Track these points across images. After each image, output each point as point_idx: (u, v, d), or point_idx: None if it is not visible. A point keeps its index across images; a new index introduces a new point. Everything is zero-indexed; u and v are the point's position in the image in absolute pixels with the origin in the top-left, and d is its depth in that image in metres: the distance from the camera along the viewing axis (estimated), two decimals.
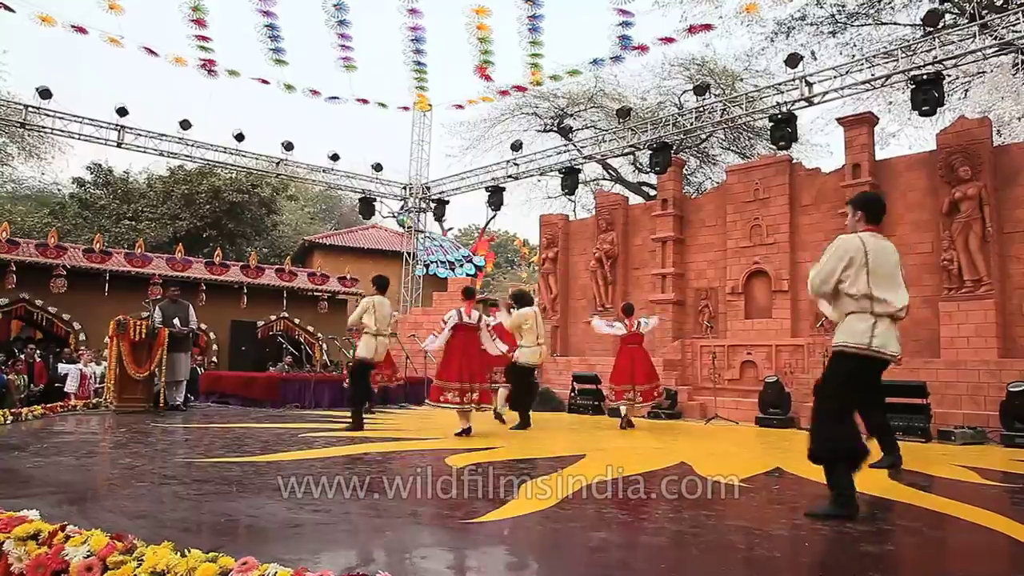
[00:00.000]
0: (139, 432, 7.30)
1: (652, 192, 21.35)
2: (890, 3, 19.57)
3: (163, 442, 6.73)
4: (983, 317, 10.33)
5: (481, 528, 3.29)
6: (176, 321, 10.16)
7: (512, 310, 9.05)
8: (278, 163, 18.27)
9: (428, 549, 2.98)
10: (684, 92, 22.79)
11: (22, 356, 13.26)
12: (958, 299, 10.62)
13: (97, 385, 12.69)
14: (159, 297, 10.75)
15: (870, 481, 5.16)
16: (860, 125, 12.16)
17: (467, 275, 19.91)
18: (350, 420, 8.05)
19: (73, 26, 14.16)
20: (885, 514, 4.03)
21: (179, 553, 2.37)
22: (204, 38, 14.83)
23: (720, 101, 14.91)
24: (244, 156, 17.78)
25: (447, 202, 19.97)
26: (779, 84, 13.44)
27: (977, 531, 3.52)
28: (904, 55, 11.78)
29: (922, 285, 11.27)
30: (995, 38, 10.99)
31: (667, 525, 3.51)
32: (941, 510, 4.02)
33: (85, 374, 12.97)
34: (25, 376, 12.79)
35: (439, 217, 20.38)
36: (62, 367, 13.30)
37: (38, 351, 14.21)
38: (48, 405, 9.73)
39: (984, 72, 16.53)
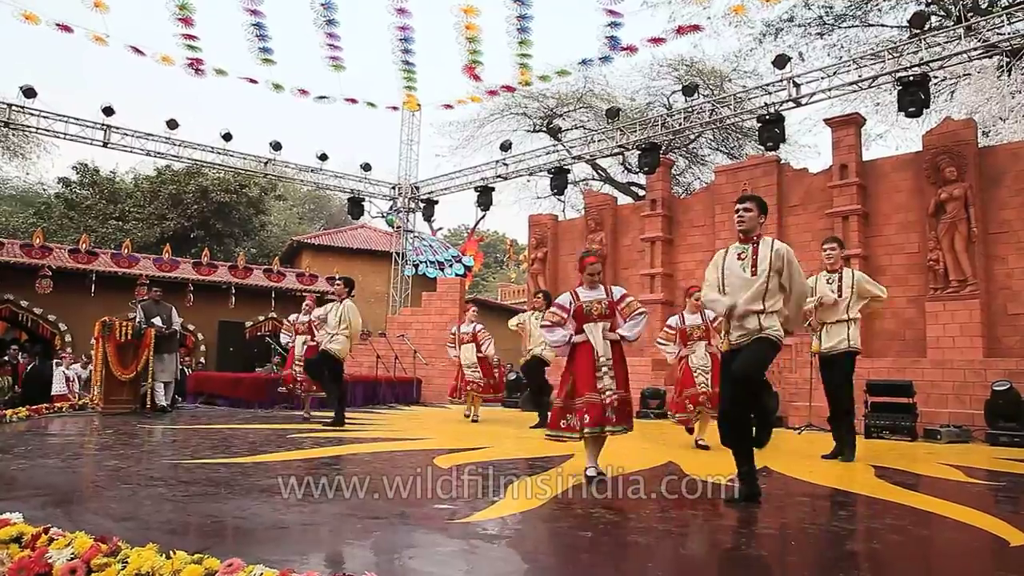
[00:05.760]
0: (125, 434, 7.24)
1: (641, 192, 21.40)
2: (877, 5, 19.71)
3: (149, 444, 6.68)
4: (968, 317, 10.41)
5: (469, 528, 3.28)
6: (157, 321, 10.07)
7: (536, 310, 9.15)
8: (266, 163, 18.19)
9: (416, 549, 2.97)
10: (673, 93, 22.86)
11: (6, 358, 13.14)
12: (944, 299, 10.70)
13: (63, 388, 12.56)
14: (144, 298, 10.66)
15: (857, 480, 5.20)
16: (847, 126, 12.24)
17: (456, 275, 19.88)
18: (333, 417, 8.21)
19: (58, 24, 14.04)
20: (871, 512, 4.06)
21: (164, 555, 2.35)
22: (191, 37, 14.74)
23: (709, 102, 14.96)
24: (232, 156, 17.70)
25: (436, 202, 19.95)
26: (767, 85, 13.51)
27: (962, 529, 3.55)
28: (891, 57, 11.87)
29: (908, 285, 11.36)
30: (980, 40, 11.08)
31: (655, 524, 3.52)
32: (926, 508, 4.04)
33: (68, 376, 12.86)
34: (9, 378, 12.68)
35: (428, 217, 20.35)
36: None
37: (21, 352, 14.07)
38: (33, 407, 9.64)
39: (969, 74, 16.66)
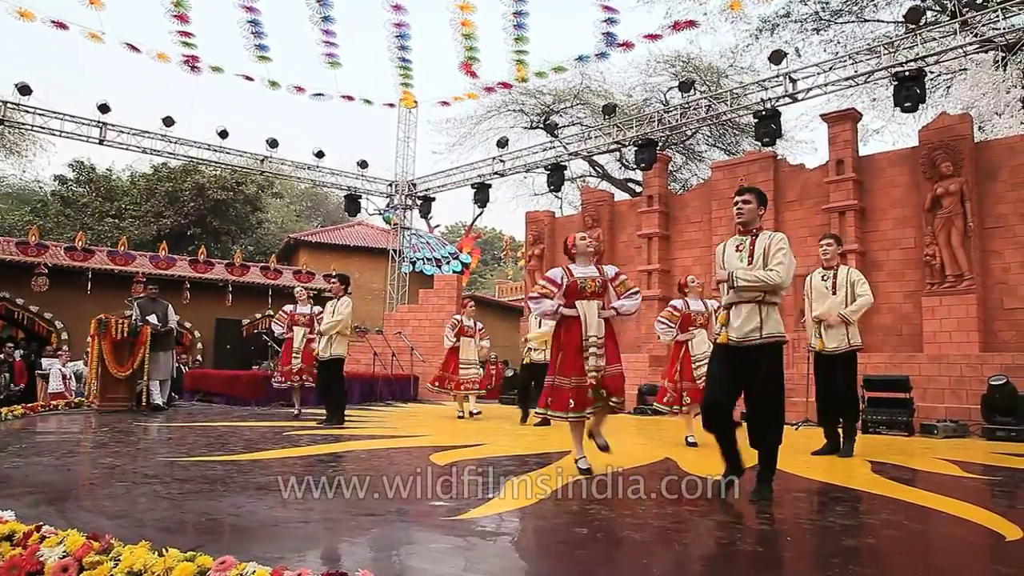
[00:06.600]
0: (121, 431, 7.22)
1: (638, 189, 21.38)
2: (873, 1, 19.71)
3: (145, 441, 6.67)
4: (965, 312, 10.43)
5: (466, 525, 3.27)
6: (153, 318, 10.03)
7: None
8: (263, 160, 18.14)
9: (413, 546, 2.96)
10: (670, 89, 22.83)
11: (1, 355, 13.09)
12: (940, 294, 10.72)
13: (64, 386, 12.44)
14: (140, 295, 10.63)
15: (854, 475, 5.21)
16: (844, 121, 12.25)
17: (453, 272, 19.85)
18: (330, 416, 8.21)
19: (53, 21, 13.97)
20: (867, 508, 4.06)
21: (157, 552, 2.33)
22: (187, 34, 14.69)
23: (705, 98, 14.94)
24: (228, 153, 17.64)
25: (433, 199, 19.92)
26: (763, 81, 13.49)
27: (958, 524, 3.55)
28: (887, 52, 11.86)
29: (905, 280, 11.38)
30: (976, 35, 11.08)
31: (651, 521, 3.51)
32: (923, 503, 4.04)
33: (65, 374, 12.82)
34: (6, 375, 12.63)
35: (425, 214, 20.36)
36: (46, 362, 13.14)
37: (19, 350, 14.03)
38: (29, 405, 9.62)
39: (965, 69, 16.67)
